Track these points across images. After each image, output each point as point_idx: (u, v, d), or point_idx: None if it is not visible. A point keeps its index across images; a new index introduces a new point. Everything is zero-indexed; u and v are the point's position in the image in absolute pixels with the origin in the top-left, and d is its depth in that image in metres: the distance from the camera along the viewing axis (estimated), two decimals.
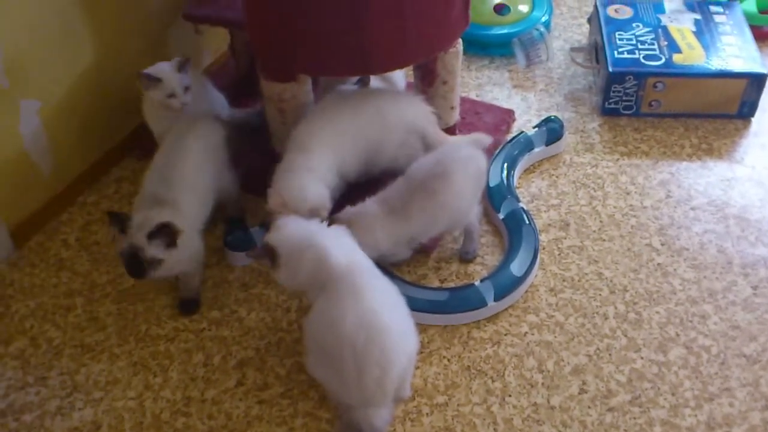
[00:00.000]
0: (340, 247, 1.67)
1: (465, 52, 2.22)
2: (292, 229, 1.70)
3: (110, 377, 1.87)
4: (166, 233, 1.78)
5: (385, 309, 1.57)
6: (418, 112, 2.10)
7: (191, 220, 1.92)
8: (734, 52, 2.52)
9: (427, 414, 1.76)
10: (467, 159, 1.95)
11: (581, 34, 2.98)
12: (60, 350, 1.93)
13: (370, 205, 1.91)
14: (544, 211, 2.24)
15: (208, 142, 2.05)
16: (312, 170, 1.93)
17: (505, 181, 2.23)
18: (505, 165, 2.27)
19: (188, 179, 1.94)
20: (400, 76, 2.40)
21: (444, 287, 2.03)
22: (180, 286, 2.01)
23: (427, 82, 2.17)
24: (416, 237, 1.95)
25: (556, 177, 2.35)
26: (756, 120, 2.53)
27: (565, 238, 2.16)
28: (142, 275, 1.80)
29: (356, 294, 1.57)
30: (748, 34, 2.62)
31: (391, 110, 2.06)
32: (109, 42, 2.32)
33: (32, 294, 2.08)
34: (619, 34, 2.61)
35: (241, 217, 2.18)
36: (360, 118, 2.03)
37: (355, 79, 2.29)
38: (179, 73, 2.09)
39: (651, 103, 2.52)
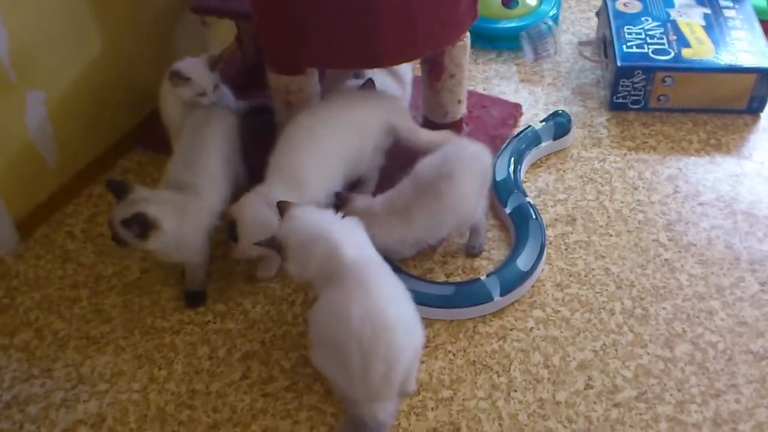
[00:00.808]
0: (351, 240, 1.66)
1: (472, 45, 2.20)
2: (302, 222, 1.69)
3: (115, 369, 1.87)
4: (139, 224, 1.79)
5: (392, 304, 1.56)
6: (389, 109, 2.08)
7: (210, 208, 1.94)
8: (744, 47, 2.51)
9: (432, 408, 1.76)
10: (472, 158, 1.93)
11: (589, 27, 2.96)
12: (65, 342, 1.93)
13: (375, 201, 1.91)
14: (551, 206, 2.23)
15: (225, 130, 2.07)
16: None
17: (511, 176, 2.22)
18: (512, 159, 2.26)
19: (210, 166, 1.97)
20: (407, 70, 2.39)
21: (450, 282, 2.02)
22: (186, 278, 2.00)
23: (435, 75, 2.16)
24: (422, 239, 1.94)
25: (564, 171, 2.34)
26: (765, 115, 2.51)
27: (572, 233, 2.15)
28: (121, 246, 1.86)
29: (364, 288, 1.56)
30: (758, 28, 2.60)
31: (365, 116, 2.03)
32: (115, 34, 2.32)
33: (37, 286, 2.08)
34: (627, 28, 2.60)
35: None
36: (339, 135, 1.98)
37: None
38: (211, 71, 2.10)
39: (659, 98, 2.51)
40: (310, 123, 1.98)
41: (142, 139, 2.48)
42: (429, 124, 2.29)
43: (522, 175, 2.28)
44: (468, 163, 1.91)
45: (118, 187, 1.84)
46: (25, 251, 2.17)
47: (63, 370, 1.87)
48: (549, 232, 2.14)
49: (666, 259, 2.07)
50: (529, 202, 2.14)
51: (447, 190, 1.87)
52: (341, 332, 1.53)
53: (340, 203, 1.88)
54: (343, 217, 1.75)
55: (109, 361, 1.89)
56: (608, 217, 2.19)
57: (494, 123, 2.44)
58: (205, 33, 2.68)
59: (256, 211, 1.86)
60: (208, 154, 1.98)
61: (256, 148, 2.04)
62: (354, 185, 2.09)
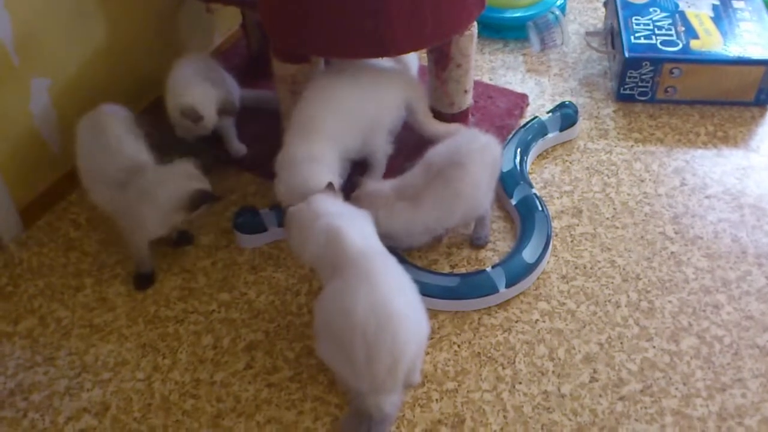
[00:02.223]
0: (358, 231, 1.66)
1: (479, 35, 2.19)
2: (310, 204, 1.72)
3: (119, 358, 1.86)
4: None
5: (397, 296, 1.55)
6: (411, 89, 2.11)
7: None
8: (752, 38, 2.49)
9: (436, 400, 1.75)
10: (484, 148, 1.93)
11: (597, 18, 2.94)
12: (69, 330, 1.93)
13: (385, 185, 1.91)
14: (557, 198, 2.22)
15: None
16: (314, 159, 1.92)
17: (518, 167, 2.20)
18: (518, 150, 2.25)
19: None
20: (413, 59, 2.37)
21: (455, 273, 2.01)
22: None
23: (441, 65, 2.14)
24: (428, 227, 1.93)
25: (570, 163, 2.33)
26: None
27: (578, 225, 2.14)
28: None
29: (369, 280, 1.55)
30: (767, 20, 2.58)
31: (388, 88, 2.07)
32: (119, 20, 2.30)
33: (41, 273, 2.07)
34: (635, 19, 2.58)
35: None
36: (359, 100, 2.01)
37: None
38: (218, 116, 2.13)
39: (667, 90, 2.49)
40: (333, 84, 2.02)
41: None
42: (435, 114, 2.28)
43: (528, 167, 2.27)
44: (479, 154, 1.91)
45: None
46: (28, 239, 2.17)
47: (67, 359, 1.87)
48: (555, 223, 2.13)
49: (672, 252, 2.06)
50: (535, 194, 2.13)
51: (458, 178, 1.86)
52: (346, 325, 1.52)
53: (351, 186, 1.88)
54: (352, 199, 1.76)
55: (113, 350, 1.88)
56: (614, 209, 2.18)
57: (500, 113, 2.43)
58: (209, 20, 2.67)
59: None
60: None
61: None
62: (361, 172, 2.08)
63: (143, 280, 2.03)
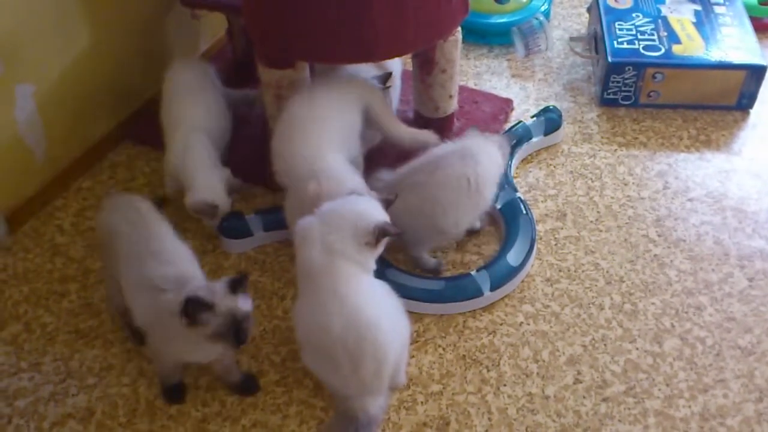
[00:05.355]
0: (323, 241, 1.59)
1: (464, 40, 2.21)
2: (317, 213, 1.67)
3: (104, 363, 1.86)
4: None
5: (369, 303, 1.56)
6: (368, 92, 2.06)
7: None
8: (734, 43, 2.51)
9: (421, 402, 1.76)
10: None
11: (581, 23, 2.97)
12: (54, 336, 1.93)
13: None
14: (542, 201, 2.23)
15: None
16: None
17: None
18: None
19: None
20: (397, 64, 2.38)
21: (440, 276, 2.02)
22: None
23: (426, 70, 2.16)
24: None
25: (554, 167, 2.34)
26: (755, 112, 2.52)
27: (562, 229, 2.15)
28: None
29: (337, 295, 1.54)
30: (748, 25, 2.61)
31: (346, 98, 2.02)
32: (105, 26, 2.30)
33: (26, 279, 2.07)
34: (618, 24, 2.60)
35: None
36: (330, 117, 1.96)
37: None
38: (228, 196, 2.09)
39: (650, 94, 2.51)
40: (301, 112, 1.96)
41: (132, 133, 2.47)
42: (420, 119, 2.30)
43: (513, 171, 2.28)
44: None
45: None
46: (13, 245, 2.16)
47: (52, 364, 1.86)
48: (539, 227, 2.15)
49: (655, 255, 2.07)
50: (519, 198, 2.14)
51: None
52: (326, 341, 1.53)
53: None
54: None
55: (98, 355, 1.88)
56: (598, 212, 2.20)
57: (485, 118, 2.44)
58: (195, 26, 2.67)
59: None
60: None
61: None
62: None
63: (172, 393, 1.79)
